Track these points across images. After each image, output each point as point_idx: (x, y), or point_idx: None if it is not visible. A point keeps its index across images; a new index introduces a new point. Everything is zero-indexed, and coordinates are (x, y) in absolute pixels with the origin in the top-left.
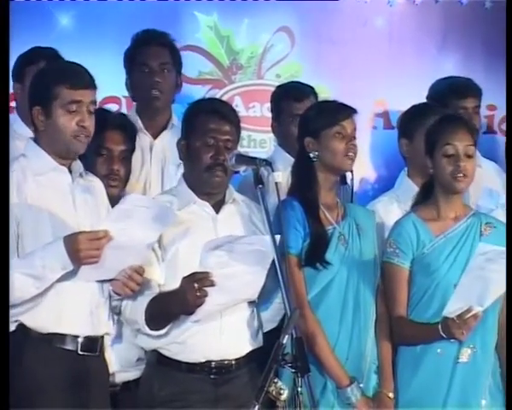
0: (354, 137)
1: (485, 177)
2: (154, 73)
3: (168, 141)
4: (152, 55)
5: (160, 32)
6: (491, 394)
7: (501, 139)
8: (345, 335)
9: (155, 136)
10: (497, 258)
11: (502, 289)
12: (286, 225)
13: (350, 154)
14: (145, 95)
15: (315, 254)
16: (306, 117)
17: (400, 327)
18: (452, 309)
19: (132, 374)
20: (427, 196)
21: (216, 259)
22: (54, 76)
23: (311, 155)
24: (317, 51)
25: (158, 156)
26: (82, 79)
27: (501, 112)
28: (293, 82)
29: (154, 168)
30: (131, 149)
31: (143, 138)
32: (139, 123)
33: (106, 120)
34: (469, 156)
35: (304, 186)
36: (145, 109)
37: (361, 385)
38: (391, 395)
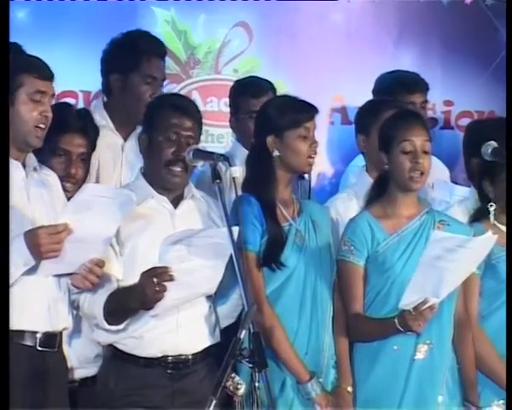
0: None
1: (431, 173)
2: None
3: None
4: (155, 68)
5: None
6: (448, 389)
7: (458, 135)
8: (303, 330)
9: (126, 137)
10: (453, 247)
11: (458, 280)
12: (243, 221)
13: (312, 155)
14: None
15: (271, 256)
16: (267, 113)
17: (357, 324)
18: (408, 301)
19: (91, 371)
20: (380, 193)
21: (175, 253)
22: (20, 65)
23: (274, 154)
24: (274, 46)
25: (129, 157)
26: (47, 70)
27: (458, 107)
28: (251, 77)
29: (125, 169)
30: (91, 151)
31: (114, 139)
32: (109, 123)
33: (66, 119)
34: (426, 152)
35: (261, 183)
36: (118, 110)
37: (320, 380)
38: (349, 389)
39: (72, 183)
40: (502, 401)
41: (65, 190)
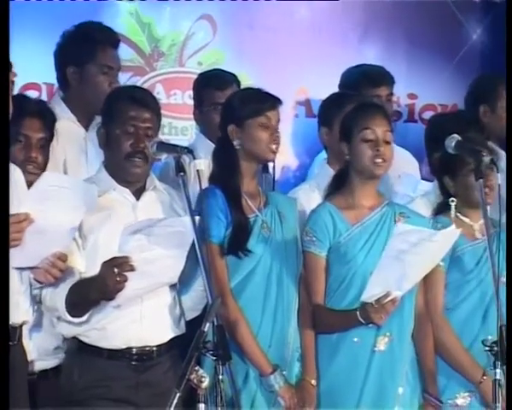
0: (278, 128)
1: (400, 165)
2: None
3: None
4: (110, 58)
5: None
6: (408, 381)
7: (422, 128)
8: (267, 323)
9: (87, 127)
10: (417, 240)
11: (421, 273)
12: (208, 213)
13: (273, 144)
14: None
15: (236, 243)
16: (230, 104)
17: (318, 315)
18: (370, 294)
19: (50, 363)
20: (341, 185)
21: (135, 243)
22: None
23: (235, 143)
24: (238, 39)
25: (92, 147)
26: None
27: (422, 101)
28: (215, 70)
29: (91, 159)
30: (50, 137)
31: (77, 131)
32: (71, 115)
33: (24, 106)
34: (387, 142)
35: (226, 174)
36: (78, 102)
37: (284, 373)
38: (313, 382)
39: (34, 166)
40: (467, 394)
41: (28, 172)
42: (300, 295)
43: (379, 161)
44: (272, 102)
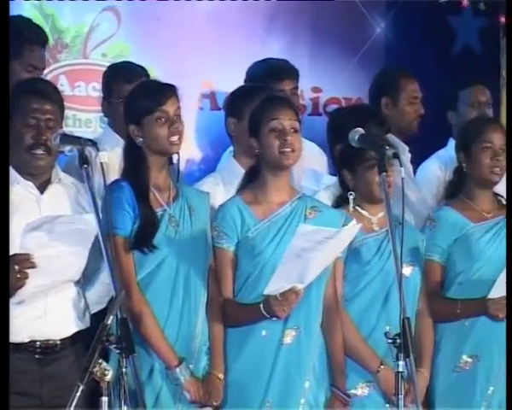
0: (178, 117)
1: (308, 158)
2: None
3: None
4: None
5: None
6: (316, 375)
7: (326, 121)
8: (174, 316)
9: None
10: (322, 239)
11: (322, 265)
12: (114, 207)
13: (174, 136)
14: None
15: (143, 238)
16: (127, 103)
17: (226, 309)
18: (274, 288)
19: None
20: (252, 179)
21: (36, 240)
22: None
23: (137, 141)
24: (143, 31)
25: None
26: None
27: (326, 94)
28: (124, 62)
29: None
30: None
31: None
32: None
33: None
34: (295, 132)
35: (133, 168)
36: None
37: (190, 366)
38: (220, 375)
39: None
40: (366, 384)
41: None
42: (210, 288)
43: (287, 150)
44: (166, 92)
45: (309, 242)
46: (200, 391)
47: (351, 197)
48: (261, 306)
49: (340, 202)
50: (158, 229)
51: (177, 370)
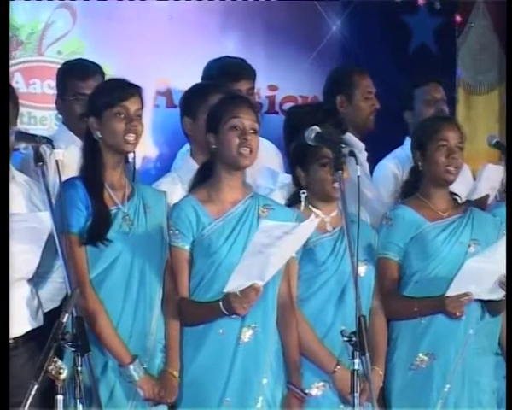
0: (138, 117)
1: (263, 156)
2: None
3: None
4: None
5: None
6: (273, 372)
7: (282, 119)
8: (128, 313)
9: None
10: (281, 234)
11: (281, 263)
12: (68, 205)
13: (130, 135)
14: None
15: (96, 233)
16: (91, 96)
17: (183, 308)
18: (234, 285)
19: None
20: (206, 177)
21: None
22: None
23: (95, 134)
24: (99, 28)
25: None
26: None
27: (282, 92)
28: (79, 59)
29: None
30: None
31: None
32: None
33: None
34: (255, 132)
35: (88, 166)
36: None
37: (144, 363)
38: (176, 373)
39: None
40: (321, 383)
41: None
42: (166, 286)
43: (245, 150)
44: (128, 90)
45: (269, 237)
46: (153, 389)
47: (303, 196)
48: (220, 303)
49: (293, 201)
50: (111, 225)
51: (131, 367)
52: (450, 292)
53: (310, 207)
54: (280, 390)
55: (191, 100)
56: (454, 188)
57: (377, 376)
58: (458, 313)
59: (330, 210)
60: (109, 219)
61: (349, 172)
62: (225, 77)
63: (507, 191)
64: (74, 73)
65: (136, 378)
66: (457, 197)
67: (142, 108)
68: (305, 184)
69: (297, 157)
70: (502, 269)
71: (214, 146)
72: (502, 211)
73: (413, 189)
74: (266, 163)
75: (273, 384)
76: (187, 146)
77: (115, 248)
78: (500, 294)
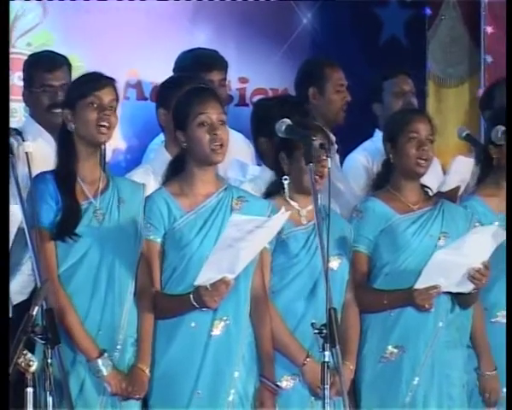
0: (112, 108)
1: (234, 148)
2: None
3: None
4: None
5: None
6: (245, 365)
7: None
8: (96, 307)
9: None
10: (252, 228)
11: (252, 255)
12: (38, 199)
13: (102, 123)
14: None
15: (64, 228)
16: (67, 89)
17: (155, 301)
18: (204, 279)
19: None
20: (178, 170)
21: None
22: None
23: (68, 126)
24: (69, 21)
25: None
26: None
27: (252, 85)
28: (45, 51)
29: None
30: None
31: None
32: None
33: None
34: (223, 123)
35: (60, 159)
36: None
37: (112, 358)
38: (145, 369)
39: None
40: (291, 376)
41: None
42: (140, 279)
43: (217, 145)
44: (103, 81)
45: (240, 232)
46: (121, 384)
47: (286, 182)
48: (191, 296)
49: (272, 190)
50: (80, 220)
51: (99, 361)
52: (419, 285)
53: (287, 199)
54: (252, 383)
55: (166, 92)
56: (424, 180)
57: (348, 371)
58: (427, 306)
59: (307, 203)
60: (79, 214)
61: (326, 165)
62: (198, 67)
63: (507, 195)
64: (41, 64)
65: (105, 373)
66: (428, 190)
67: (116, 100)
68: (287, 171)
69: (280, 144)
70: (471, 262)
71: (185, 144)
72: (472, 203)
73: (385, 181)
74: (237, 155)
75: (245, 377)
76: (160, 138)
77: (84, 243)
78: (469, 287)
